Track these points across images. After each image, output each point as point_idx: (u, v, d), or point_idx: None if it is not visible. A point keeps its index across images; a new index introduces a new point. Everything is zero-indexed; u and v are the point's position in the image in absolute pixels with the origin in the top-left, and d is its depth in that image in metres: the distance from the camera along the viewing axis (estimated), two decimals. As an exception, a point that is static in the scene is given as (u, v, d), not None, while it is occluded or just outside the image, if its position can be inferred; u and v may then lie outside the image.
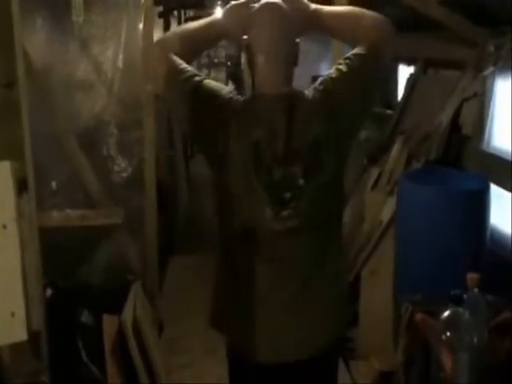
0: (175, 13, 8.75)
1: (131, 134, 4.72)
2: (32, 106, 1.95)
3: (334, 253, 2.18)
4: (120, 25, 4.72)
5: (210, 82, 2.20)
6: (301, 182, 2.01)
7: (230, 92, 2.19)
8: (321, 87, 2.17)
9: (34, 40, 4.28)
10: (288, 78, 2.23)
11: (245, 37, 2.14)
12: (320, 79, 2.22)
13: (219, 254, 2.39)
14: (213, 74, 16.39)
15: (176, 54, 2.17)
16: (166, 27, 7.04)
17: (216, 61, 16.44)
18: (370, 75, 2.14)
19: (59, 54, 4.51)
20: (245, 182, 2.07)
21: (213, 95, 2.15)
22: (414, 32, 5.63)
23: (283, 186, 2.02)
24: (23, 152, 1.69)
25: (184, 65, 2.17)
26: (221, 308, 2.40)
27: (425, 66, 5.64)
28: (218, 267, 2.41)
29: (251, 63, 2.17)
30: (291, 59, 2.22)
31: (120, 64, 4.72)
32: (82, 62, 4.66)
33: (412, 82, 5.75)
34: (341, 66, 2.15)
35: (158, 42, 2.42)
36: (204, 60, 16.47)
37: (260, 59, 2.13)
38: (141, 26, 4.33)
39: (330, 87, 2.14)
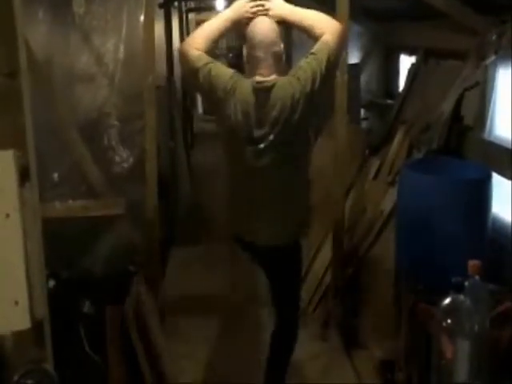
0: (176, 4, 8.74)
1: (132, 125, 4.73)
2: (33, 98, 1.95)
3: (300, 178, 3.18)
4: (121, 16, 4.72)
5: (221, 66, 3.13)
6: (271, 137, 2.97)
7: (233, 73, 3.07)
8: (292, 75, 3.01)
9: (36, 31, 4.28)
10: (272, 70, 3.01)
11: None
12: (293, 69, 3.07)
13: (229, 182, 3.33)
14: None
15: (198, 49, 3.06)
16: (167, 18, 7.04)
17: (217, 52, 16.45)
18: (324, 66, 2.96)
19: (60, 45, 4.51)
20: (237, 136, 3.04)
21: (222, 74, 3.05)
22: (415, 21, 5.63)
23: (260, 139, 2.99)
24: (25, 141, 1.69)
25: (203, 55, 3.06)
26: (232, 214, 3.35)
27: (426, 56, 5.64)
28: (228, 190, 3.34)
29: (248, 59, 3.07)
30: (277, 58, 3.03)
31: (121, 55, 4.73)
32: (84, 54, 4.66)
33: (413, 71, 5.75)
34: (308, 60, 3.00)
35: (187, 40, 3.26)
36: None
37: (254, 58, 3.01)
38: (142, 17, 4.33)
39: (299, 75, 2.99)
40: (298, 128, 3.00)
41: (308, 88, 2.93)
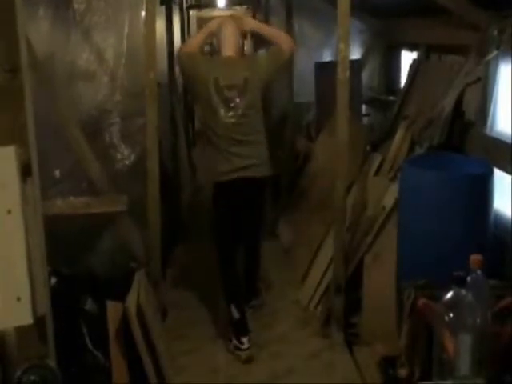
0: (177, 0, 8.72)
1: (134, 122, 4.74)
2: (35, 95, 1.95)
3: (260, 129, 4.36)
4: (122, 13, 4.72)
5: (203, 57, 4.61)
6: (237, 99, 4.17)
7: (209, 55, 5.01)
8: (254, 58, 4.74)
9: (37, 28, 4.27)
10: (237, 50, 4.39)
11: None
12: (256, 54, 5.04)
13: (206, 136, 4.40)
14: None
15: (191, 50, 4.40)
16: (168, 15, 7.02)
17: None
18: (272, 62, 4.36)
19: (61, 42, 4.50)
20: (211, 97, 4.17)
21: (202, 59, 4.46)
22: (416, 17, 5.62)
23: (229, 100, 4.17)
24: (26, 137, 1.70)
25: (195, 55, 4.39)
26: (213, 163, 4.33)
27: (427, 52, 5.63)
28: (207, 144, 4.40)
29: (218, 44, 4.48)
30: (238, 43, 4.44)
31: (122, 52, 4.73)
32: (85, 51, 4.65)
33: (415, 67, 5.75)
34: (266, 55, 4.59)
35: (183, 45, 4.93)
36: (207, 48, 16.46)
37: (222, 42, 4.41)
38: (143, 13, 4.32)
39: (258, 58, 4.75)
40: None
41: (259, 70, 4.28)
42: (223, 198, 4.36)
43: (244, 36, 4.64)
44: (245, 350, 4.19)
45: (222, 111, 4.15)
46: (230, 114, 4.16)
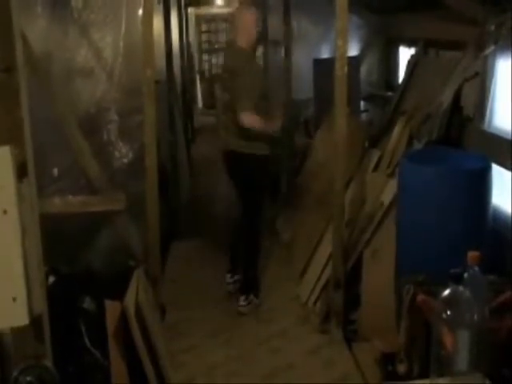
0: (174, -3, 8.71)
1: (132, 120, 4.73)
2: (32, 92, 1.94)
3: None
4: (119, 10, 4.71)
5: None
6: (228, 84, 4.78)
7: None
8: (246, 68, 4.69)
9: (34, 26, 4.26)
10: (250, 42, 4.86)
11: None
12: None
13: None
14: (214, 60, 16.45)
15: None
16: (166, 12, 7.02)
17: (217, 46, 16.49)
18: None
19: (59, 39, 4.50)
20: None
21: None
22: (414, 13, 5.62)
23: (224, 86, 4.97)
24: (23, 137, 1.69)
25: None
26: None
27: (425, 47, 5.63)
28: None
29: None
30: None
31: (120, 50, 4.72)
32: (82, 48, 4.65)
33: (413, 63, 5.74)
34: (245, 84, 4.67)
35: None
36: (205, 46, 16.51)
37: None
38: (140, 11, 4.31)
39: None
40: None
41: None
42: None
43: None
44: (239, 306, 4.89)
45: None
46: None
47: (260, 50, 8.16)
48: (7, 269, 1.58)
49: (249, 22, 4.76)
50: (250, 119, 4.56)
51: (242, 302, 4.87)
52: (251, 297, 4.94)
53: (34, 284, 1.64)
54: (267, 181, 5.17)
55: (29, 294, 1.60)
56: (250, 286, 4.99)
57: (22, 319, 1.60)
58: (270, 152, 4.93)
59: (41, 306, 1.68)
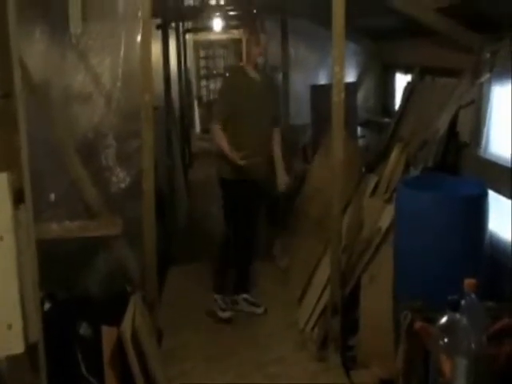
0: (173, 24, 8.78)
1: (130, 145, 4.73)
2: (30, 117, 1.95)
3: None
4: (118, 36, 4.73)
5: None
6: None
7: None
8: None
9: (33, 51, 4.29)
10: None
11: None
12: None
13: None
14: (212, 85, 16.52)
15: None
16: (164, 39, 7.07)
17: (215, 72, 16.58)
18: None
19: (57, 65, 4.52)
20: None
21: None
22: (410, 40, 5.66)
23: None
24: (20, 163, 1.69)
25: None
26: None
27: (422, 74, 5.66)
28: None
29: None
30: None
31: (118, 75, 4.73)
32: (81, 74, 4.67)
33: (409, 89, 5.77)
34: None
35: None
36: (203, 71, 16.60)
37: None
38: (139, 37, 4.34)
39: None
40: None
41: None
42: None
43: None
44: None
45: None
46: None
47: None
48: (3, 296, 1.58)
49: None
50: (213, 131, 4.75)
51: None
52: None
53: (29, 311, 1.63)
54: (246, 205, 5.01)
55: (24, 321, 1.59)
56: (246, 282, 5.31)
57: (17, 347, 1.59)
58: (242, 180, 4.86)
59: (36, 334, 1.67)
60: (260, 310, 5.20)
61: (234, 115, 4.77)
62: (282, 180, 5.06)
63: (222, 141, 4.71)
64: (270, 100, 4.97)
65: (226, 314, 5.11)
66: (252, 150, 4.66)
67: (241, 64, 5.11)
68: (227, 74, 5.22)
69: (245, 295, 5.28)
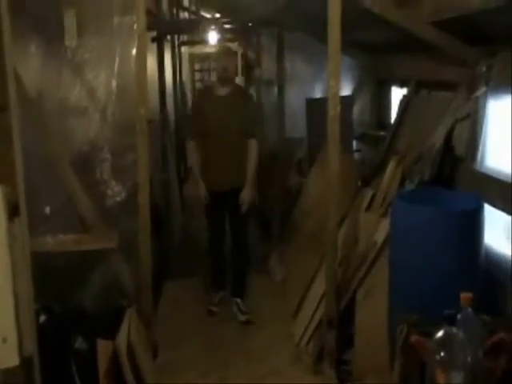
0: (168, 37, 8.79)
1: (125, 159, 4.73)
2: (25, 131, 1.95)
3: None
4: (113, 50, 4.74)
5: None
6: None
7: None
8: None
9: (28, 65, 4.30)
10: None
11: None
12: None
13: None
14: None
15: None
16: (160, 52, 7.07)
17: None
18: None
19: (53, 78, 4.53)
20: None
21: None
22: (405, 54, 5.67)
23: None
24: (14, 176, 1.69)
25: None
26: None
27: (417, 87, 5.68)
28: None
29: None
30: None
31: (113, 89, 4.74)
32: (76, 87, 4.68)
33: (405, 103, 5.78)
34: None
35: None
36: (198, 84, 16.62)
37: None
38: (134, 50, 4.35)
39: None
40: None
41: None
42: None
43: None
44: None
45: None
46: None
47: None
48: (-3, 309, 1.57)
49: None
50: (187, 149, 5.23)
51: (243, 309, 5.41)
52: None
53: (24, 324, 1.62)
54: (219, 216, 5.46)
55: (19, 334, 1.59)
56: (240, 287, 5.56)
57: (12, 360, 1.58)
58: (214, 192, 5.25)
59: (31, 347, 1.67)
60: (243, 318, 5.32)
61: (204, 132, 5.13)
62: (245, 196, 5.20)
63: (192, 161, 5.38)
64: (239, 114, 5.13)
65: (213, 308, 5.49)
66: (222, 163, 5.11)
67: (212, 82, 5.38)
68: (196, 94, 5.53)
69: (237, 299, 5.48)
